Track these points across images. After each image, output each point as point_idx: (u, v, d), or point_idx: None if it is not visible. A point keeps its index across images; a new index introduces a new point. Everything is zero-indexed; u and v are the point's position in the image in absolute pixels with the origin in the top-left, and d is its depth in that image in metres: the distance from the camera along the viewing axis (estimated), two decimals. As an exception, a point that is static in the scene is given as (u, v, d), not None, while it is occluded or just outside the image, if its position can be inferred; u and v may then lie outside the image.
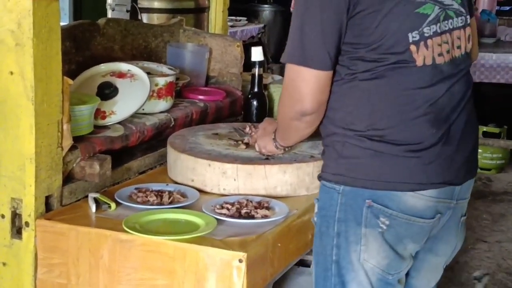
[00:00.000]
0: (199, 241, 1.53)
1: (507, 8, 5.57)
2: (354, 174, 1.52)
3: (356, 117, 1.52)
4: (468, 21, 1.61)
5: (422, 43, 1.50)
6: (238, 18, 5.32)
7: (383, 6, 1.47)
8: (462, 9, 1.59)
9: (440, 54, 1.53)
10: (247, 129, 2.07)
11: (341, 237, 1.53)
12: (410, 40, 1.49)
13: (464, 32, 1.59)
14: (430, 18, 1.51)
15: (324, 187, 1.57)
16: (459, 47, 1.57)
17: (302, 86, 1.51)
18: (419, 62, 1.50)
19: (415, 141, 1.50)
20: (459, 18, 1.58)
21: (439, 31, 1.53)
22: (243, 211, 1.67)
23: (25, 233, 1.63)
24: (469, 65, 1.63)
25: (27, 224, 1.63)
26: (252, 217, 1.66)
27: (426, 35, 1.51)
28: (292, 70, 1.52)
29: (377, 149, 1.50)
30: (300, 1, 1.52)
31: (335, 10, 1.47)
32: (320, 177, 1.60)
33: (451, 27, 1.55)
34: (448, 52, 1.54)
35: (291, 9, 3.86)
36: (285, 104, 1.57)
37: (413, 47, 1.50)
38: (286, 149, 1.83)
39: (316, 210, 1.60)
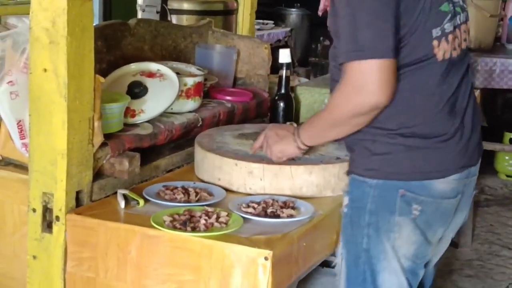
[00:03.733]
0: (226, 238, 1.55)
1: (537, 14, 5.50)
2: (388, 169, 1.61)
3: (387, 117, 1.59)
4: (468, 15, 1.73)
5: (443, 38, 1.60)
6: (265, 21, 5.34)
7: (418, 3, 1.55)
8: (464, 4, 1.70)
9: (455, 49, 1.64)
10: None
11: (371, 228, 1.64)
12: (434, 35, 1.58)
13: (467, 26, 1.71)
14: (448, 16, 1.62)
15: (355, 181, 1.66)
16: (465, 40, 1.69)
17: (377, 78, 1.50)
18: (439, 57, 1.60)
19: (440, 133, 1.62)
20: (463, 13, 1.69)
21: (453, 26, 1.63)
22: (269, 210, 1.69)
23: (55, 227, 1.67)
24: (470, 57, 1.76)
25: (57, 218, 1.66)
26: (278, 217, 1.67)
27: (446, 31, 1.61)
28: (361, 65, 1.50)
29: (409, 144, 1.60)
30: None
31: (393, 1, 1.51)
32: (350, 172, 1.68)
33: (459, 22, 1.66)
34: (459, 45, 1.66)
35: (319, 13, 3.85)
36: (350, 101, 1.53)
37: (435, 42, 1.59)
38: (307, 149, 1.80)
39: (346, 202, 1.68)
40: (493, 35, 4.14)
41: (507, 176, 4.86)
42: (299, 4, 6.03)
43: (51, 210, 1.66)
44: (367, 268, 1.65)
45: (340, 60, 1.55)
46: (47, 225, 1.68)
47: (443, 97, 1.62)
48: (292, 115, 2.42)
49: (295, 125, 1.90)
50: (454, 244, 3.72)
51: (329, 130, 1.66)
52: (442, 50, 1.60)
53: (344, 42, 1.53)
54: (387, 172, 1.62)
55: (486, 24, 4.05)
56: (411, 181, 1.61)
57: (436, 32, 1.59)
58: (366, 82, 1.51)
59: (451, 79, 1.63)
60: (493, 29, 4.14)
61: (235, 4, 3.26)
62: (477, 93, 3.33)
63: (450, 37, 1.61)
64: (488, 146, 4.03)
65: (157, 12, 3.14)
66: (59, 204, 1.65)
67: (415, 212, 1.62)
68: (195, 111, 2.17)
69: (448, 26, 1.61)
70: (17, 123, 1.76)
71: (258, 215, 1.67)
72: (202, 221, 1.60)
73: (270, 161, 1.83)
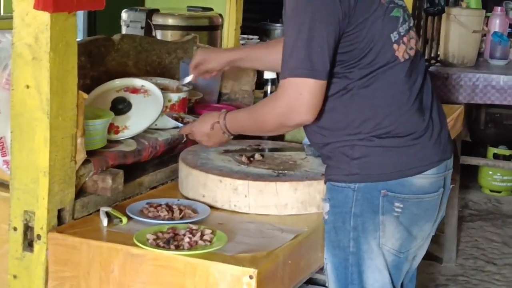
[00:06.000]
0: (210, 256, 1.53)
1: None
2: (368, 171, 1.68)
3: (362, 122, 1.68)
4: (413, 23, 1.85)
5: (400, 41, 1.72)
6: (250, 36, 5.34)
7: (369, 14, 1.65)
8: (409, 13, 1.82)
9: (411, 48, 1.75)
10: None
11: (357, 230, 1.70)
12: (393, 40, 1.70)
13: (414, 32, 1.81)
14: (401, 20, 1.73)
15: (336, 188, 1.72)
16: (416, 42, 1.80)
17: (309, 98, 1.61)
18: (401, 58, 1.71)
19: (413, 131, 1.70)
20: (409, 19, 1.79)
21: (407, 28, 1.75)
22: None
23: (36, 246, 1.64)
24: None
25: (39, 237, 1.63)
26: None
27: (402, 34, 1.73)
28: (298, 83, 1.60)
29: (385, 145, 1.68)
30: (300, 16, 1.59)
31: (335, 23, 1.61)
32: (329, 180, 1.75)
33: (408, 26, 1.77)
34: (412, 47, 1.76)
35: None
36: (279, 116, 1.65)
37: (395, 46, 1.70)
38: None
39: (327, 208, 1.74)
40: (476, 50, 4.18)
41: (491, 191, 4.88)
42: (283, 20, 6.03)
43: (32, 229, 1.63)
44: (355, 269, 1.72)
45: (285, 74, 1.62)
46: (28, 244, 1.65)
47: (412, 94, 1.71)
48: (277, 131, 2.41)
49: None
50: (438, 259, 3.73)
51: (255, 131, 1.84)
52: (402, 51, 1.71)
53: (293, 57, 1.60)
54: (367, 175, 1.68)
55: (469, 39, 4.08)
56: (390, 181, 1.68)
57: (394, 36, 1.70)
58: (299, 101, 1.60)
59: (415, 76, 1.74)
60: (476, 44, 4.18)
61: (220, 20, 3.26)
62: (460, 108, 3.35)
63: (405, 39, 1.73)
64: (471, 161, 4.06)
65: (142, 28, 3.13)
66: (41, 222, 1.63)
67: (398, 210, 1.69)
68: (180, 127, 2.15)
69: (402, 29, 1.73)
70: (-1, 140, 1.74)
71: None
72: (186, 239, 1.58)
73: (255, 178, 1.82)
